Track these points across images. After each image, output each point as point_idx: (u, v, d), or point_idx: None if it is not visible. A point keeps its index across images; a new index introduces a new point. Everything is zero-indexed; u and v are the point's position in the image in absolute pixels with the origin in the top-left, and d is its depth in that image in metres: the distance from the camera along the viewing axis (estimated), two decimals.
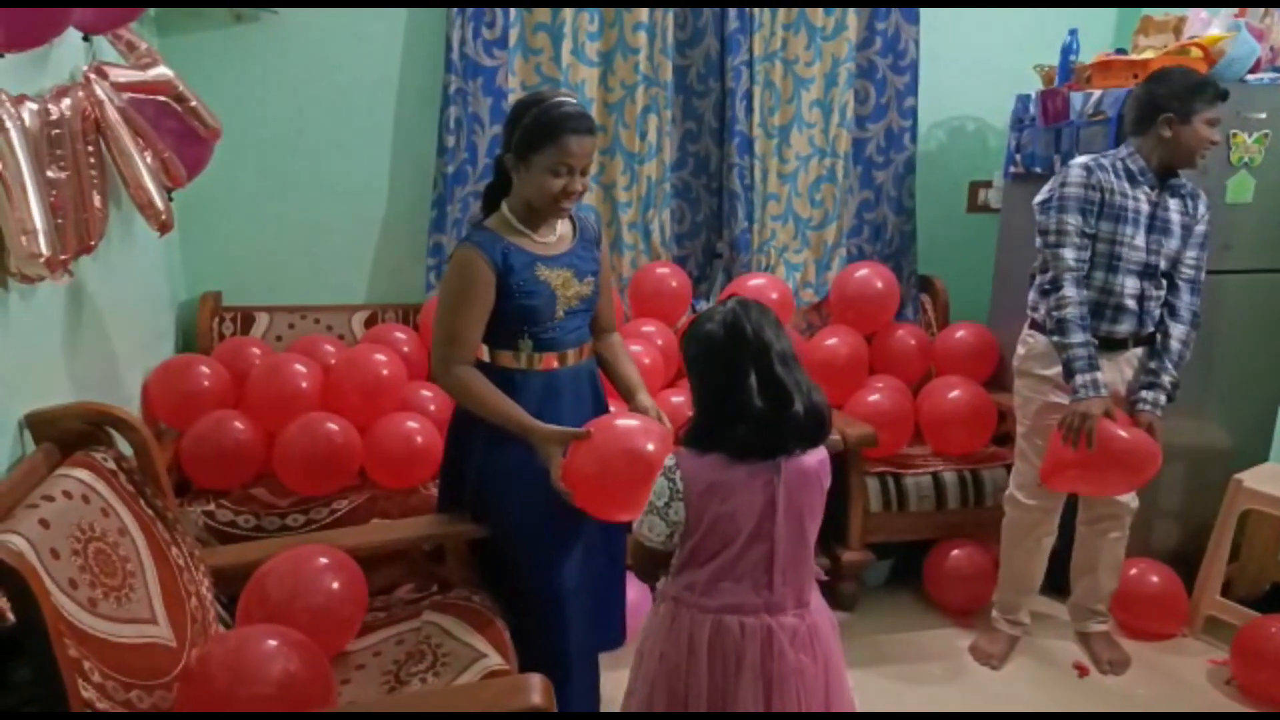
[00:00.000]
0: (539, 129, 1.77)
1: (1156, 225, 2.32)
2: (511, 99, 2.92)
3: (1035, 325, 2.44)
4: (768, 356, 1.48)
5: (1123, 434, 2.22)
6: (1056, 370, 2.35)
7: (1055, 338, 2.30)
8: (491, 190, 1.95)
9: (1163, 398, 2.33)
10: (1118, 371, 2.38)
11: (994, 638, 2.62)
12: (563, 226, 1.95)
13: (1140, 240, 2.31)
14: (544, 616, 1.93)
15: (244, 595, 1.65)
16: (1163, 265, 2.34)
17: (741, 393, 1.46)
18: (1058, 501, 2.50)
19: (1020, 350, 2.50)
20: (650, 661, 1.60)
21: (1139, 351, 2.40)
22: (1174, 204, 2.34)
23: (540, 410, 1.86)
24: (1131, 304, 2.33)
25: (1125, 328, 2.36)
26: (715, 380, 1.51)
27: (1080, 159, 2.36)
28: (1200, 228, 2.36)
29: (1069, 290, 2.28)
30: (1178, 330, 2.36)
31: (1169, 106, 2.24)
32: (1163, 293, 2.37)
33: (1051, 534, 2.55)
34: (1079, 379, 2.25)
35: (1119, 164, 2.33)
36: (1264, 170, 2.61)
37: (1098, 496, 2.47)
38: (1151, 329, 2.38)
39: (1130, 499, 2.49)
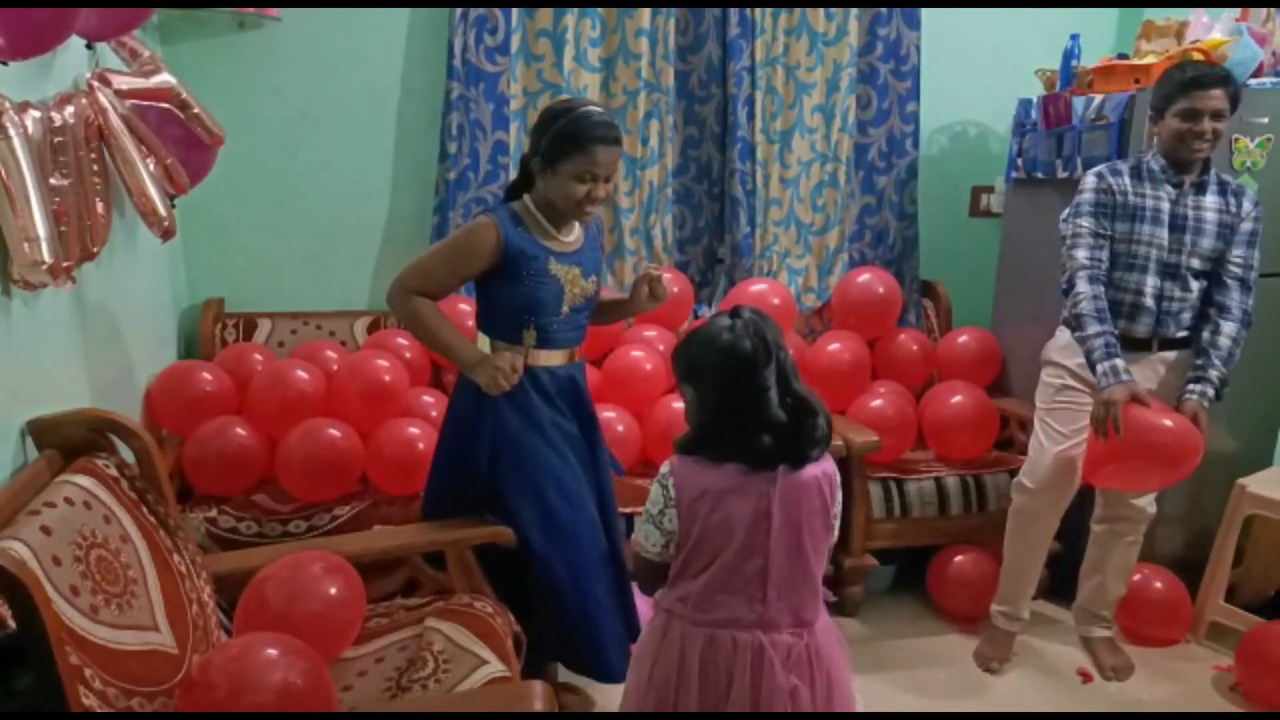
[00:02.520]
0: (567, 138, 1.83)
1: (1179, 223, 2.31)
2: (513, 105, 2.93)
3: (1064, 322, 2.46)
4: (785, 368, 1.49)
5: (1166, 422, 2.18)
6: (1077, 361, 2.38)
7: (1075, 333, 2.33)
8: (514, 186, 2.01)
9: (1210, 391, 2.29)
10: (1141, 375, 2.35)
11: (993, 637, 2.61)
12: (578, 228, 2.02)
13: (1161, 238, 2.31)
14: (568, 600, 1.97)
15: (242, 601, 1.65)
16: (1195, 264, 2.32)
17: (765, 403, 1.46)
18: (1062, 495, 2.47)
19: (1049, 343, 2.53)
20: (640, 674, 1.58)
21: (1167, 355, 2.38)
22: (1211, 201, 2.32)
23: (533, 406, 1.94)
24: (1149, 302, 2.33)
25: (1143, 327, 2.35)
26: (738, 391, 1.48)
27: (1097, 167, 2.41)
28: (1246, 225, 2.33)
29: (1081, 286, 2.31)
30: (1228, 328, 2.32)
31: (1150, 106, 2.34)
32: (1189, 294, 2.34)
33: (1052, 529, 2.53)
34: (1099, 368, 2.25)
35: (1141, 165, 2.35)
36: (1267, 174, 2.61)
37: (1132, 492, 2.44)
38: (1175, 331, 2.36)
39: (1148, 504, 2.49)
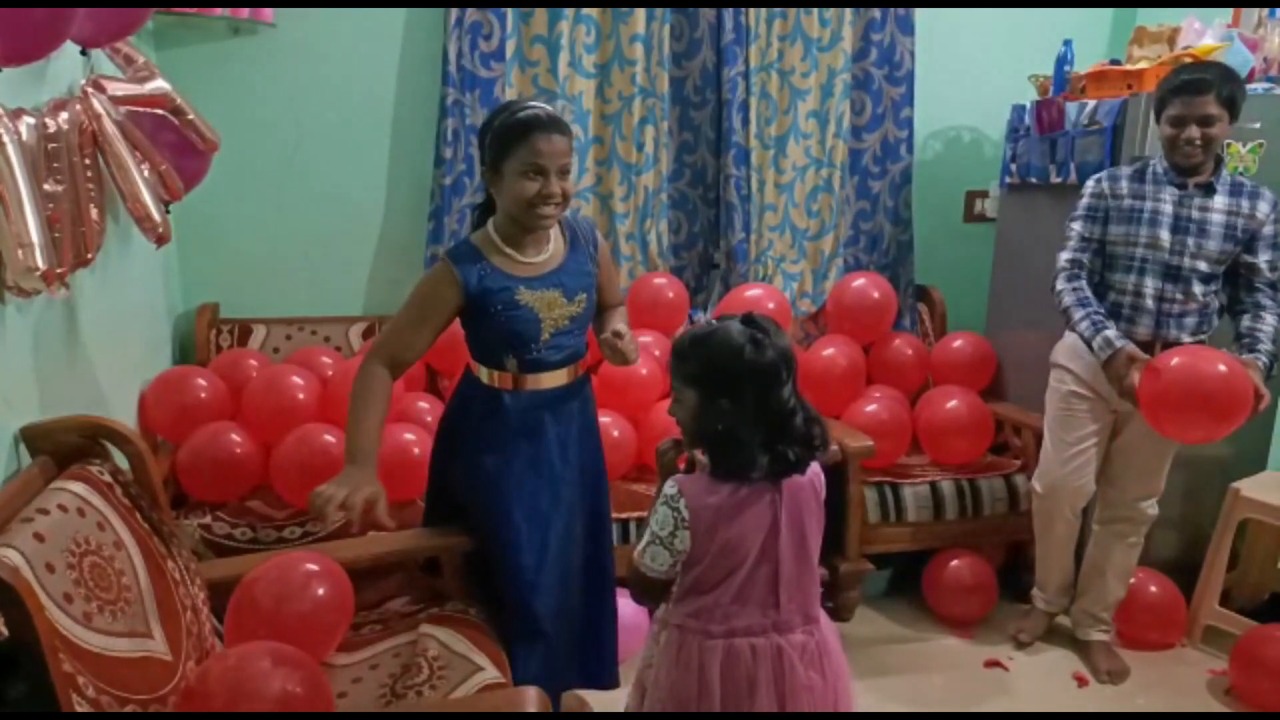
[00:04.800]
0: (506, 133, 1.74)
1: (1182, 224, 2.30)
2: None
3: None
4: (796, 377, 1.48)
5: (1220, 368, 2.10)
6: (1081, 364, 2.41)
7: (1068, 326, 2.40)
8: (479, 211, 1.92)
9: (1264, 359, 2.24)
10: None
11: (1029, 614, 2.73)
12: (554, 243, 1.88)
13: (1161, 240, 2.30)
14: (521, 634, 1.87)
15: (232, 603, 1.65)
16: (1201, 266, 2.30)
17: (793, 415, 1.45)
18: (1073, 498, 2.50)
19: (1057, 345, 2.55)
20: (657, 693, 1.55)
21: None
22: (1220, 202, 2.29)
23: (522, 429, 1.86)
24: (1149, 304, 2.33)
25: (1143, 329, 2.35)
26: (764, 404, 1.44)
27: (1099, 173, 2.43)
28: (1269, 229, 2.30)
29: (1059, 284, 2.41)
30: (1270, 318, 2.28)
31: (1154, 109, 2.34)
32: (1192, 296, 2.30)
33: (1073, 526, 2.56)
34: (1095, 344, 2.30)
35: (1147, 168, 2.36)
36: (1259, 179, 2.60)
37: (1194, 442, 2.36)
38: (1177, 335, 2.34)
39: (1149, 506, 2.50)
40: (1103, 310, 2.34)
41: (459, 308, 1.81)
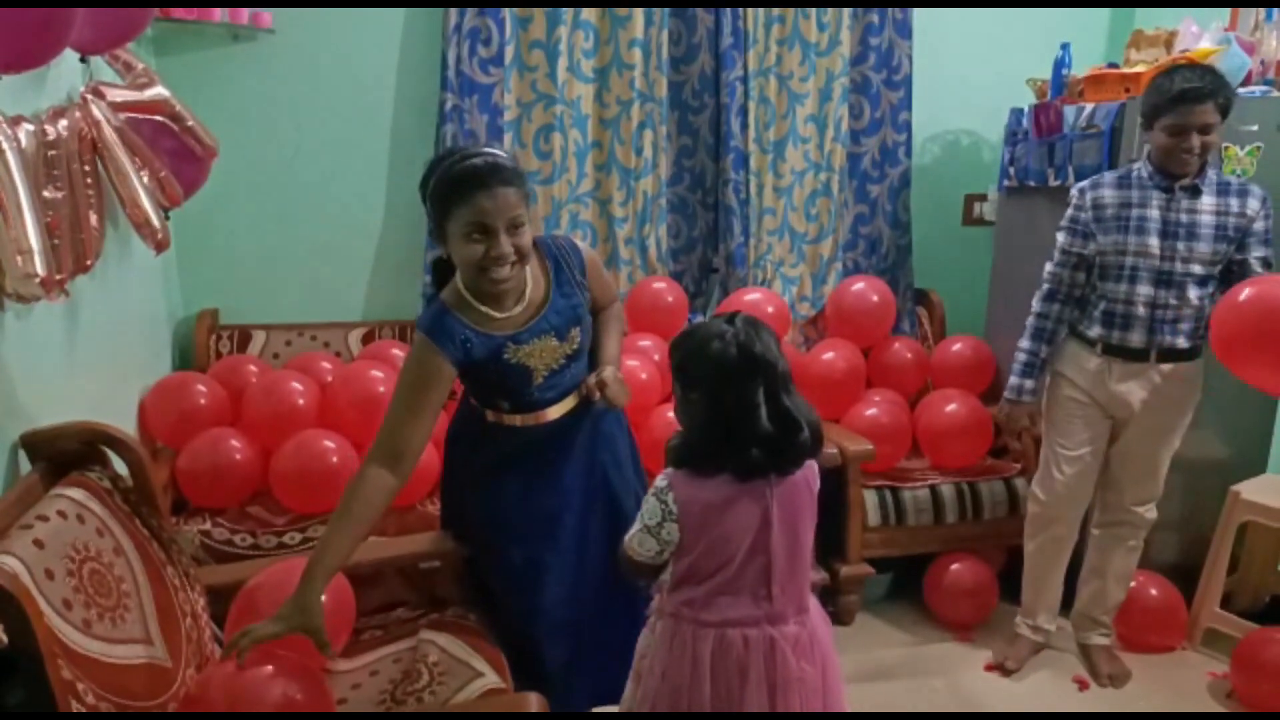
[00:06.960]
0: (445, 190, 1.58)
1: (1171, 229, 2.27)
2: (507, 116, 2.94)
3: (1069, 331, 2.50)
4: (776, 380, 1.46)
5: None
6: (1080, 371, 2.41)
7: (1020, 339, 2.49)
8: (440, 266, 1.79)
9: None
10: (1137, 386, 2.35)
11: (1014, 640, 2.66)
12: (533, 283, 1.75)
13: (1151, 246, 2.28)
14: (516, 662, 1.83)
15: (233, 609, 1.65)
16: (1195, 269, 2.27)
17: (753, 416, 1.44)
18: (1074, 506, 2.50)
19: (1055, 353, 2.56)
20: (650, 680, 1.57)
21: (1164, 367, 2.33)
22: (1208, 203, 2.27)
23: (517, 463, 1.82)
24: (1141, 311, 2.31)
25: (1137, 336, 2.33)
26: (724, 402, 1.46)
27: (1081, 182, 2.43)
28: (1260, 224, 2.28)
29: (1034, 302, 2.47)
30: None
31: (1140, 113, 2.32)
32: (1186, 301, 2.27)
33: (1069, 538, 2.55)
34: (1011, 380, 2.49)
35: (1131, 174, 2.34)
36: (1256, 182, 2.61)
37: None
38: (1173, 341, 2.31)
39: (1148, 510, 2.50)
40: (1044, 354, 2.46)
41: (453, 379, 1.69)
